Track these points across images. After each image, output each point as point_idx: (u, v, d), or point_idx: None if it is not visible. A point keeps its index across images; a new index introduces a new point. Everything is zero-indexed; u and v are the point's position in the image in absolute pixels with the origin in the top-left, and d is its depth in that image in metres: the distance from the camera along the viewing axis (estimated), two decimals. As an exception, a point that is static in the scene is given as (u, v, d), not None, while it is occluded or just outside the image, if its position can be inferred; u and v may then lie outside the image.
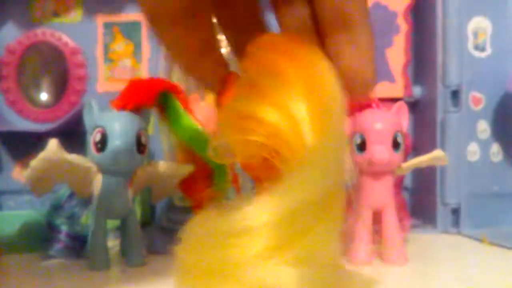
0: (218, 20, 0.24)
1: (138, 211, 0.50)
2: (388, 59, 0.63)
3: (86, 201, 0.44)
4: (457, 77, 0.57)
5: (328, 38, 0.21)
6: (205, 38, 0.22)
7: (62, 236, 0.44)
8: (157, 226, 0.53)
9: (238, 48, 0.23)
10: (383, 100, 0.48)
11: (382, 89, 0.62)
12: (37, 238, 0.46)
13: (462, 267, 0.42)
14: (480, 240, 0.51)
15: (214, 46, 0.23)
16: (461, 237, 0.55)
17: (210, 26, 0.22)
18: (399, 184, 0.54)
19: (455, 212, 0.57)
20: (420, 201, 0.64)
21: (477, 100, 0.58)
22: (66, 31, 0.63)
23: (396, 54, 0.63)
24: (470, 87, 0.58)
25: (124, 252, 0.43)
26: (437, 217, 0.58)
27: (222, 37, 0.24)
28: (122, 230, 0.43)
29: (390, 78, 0.63)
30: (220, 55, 0.24)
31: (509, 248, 0.47)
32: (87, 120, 0.40)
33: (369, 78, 0.22)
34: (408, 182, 0.65)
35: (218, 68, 0.24)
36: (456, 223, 0.57)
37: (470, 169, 0.57)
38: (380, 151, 0.39)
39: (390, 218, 0.42)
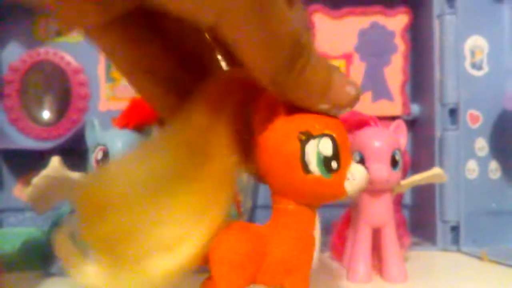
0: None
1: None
2: (386, 78, 0.64)
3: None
4: (455, 95, 0.58)
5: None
6: (139, 55, 0.23)
7: (63, 254, 0.44)
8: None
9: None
10: (382, 118, 0.48)
11: (381, 107, 0.63)
12: (39, 256, 0.46)
13: (462, 284, 0.42)
14: (480, 258, 0.51)
15: (153, 66, 0.23)
16: (460, 255, 0.55)
17: (142, 45, 0.23)
18: (398, 202, 0.55)
19: (455, 229, 0.57)
20: (420, 219, 0.64)
21: (475, 118, 0.59)
22: (69, 50, 0.64)
23: (394, 73, 0.64)
24: (468, 105, 0.58)
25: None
26: (436, 234, 0.58)
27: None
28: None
29: (388, 96, 0.63)
30: (165, 77, 0.24)
31: (509, 266, 0.47)
32: (89, 138, 0.41)
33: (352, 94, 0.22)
34: (407, 199, 0.66)
35: (156, 89, 0.24)
36: (455, 240, 0.57)
37: (469, 187, 0.58)
38: (379, 169, 0.40)
39: (390, 236, 0.42)
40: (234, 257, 0.22)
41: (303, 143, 0.21)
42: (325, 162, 0.21)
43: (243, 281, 0.22)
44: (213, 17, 0.17)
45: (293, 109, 0.22)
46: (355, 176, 0.22)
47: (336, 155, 0.22)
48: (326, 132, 0.22)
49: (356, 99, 0.22)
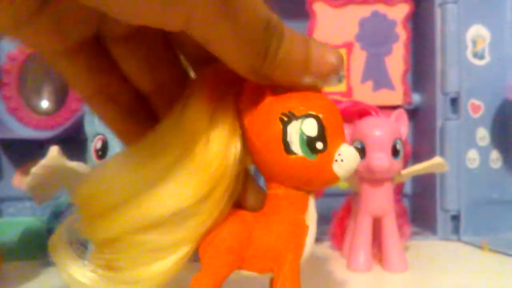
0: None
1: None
2: (387, 67, 0.63)
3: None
4: (456, 85, 0.58)
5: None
6: (101, 84, 0.23)
7: (63, 243, 0.44)
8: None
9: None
10: (383, 107, 0.48)
11: (382, 97, 0.63)
12: (38, 245, 0.46)
13: (462, 273, 0.42)
14: (480, 247, 0.51)
15: (114, 94, 0.23)
16: (461, 244, 0.55)
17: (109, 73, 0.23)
18: (399, 191, 0.55)
19: (455, 218, 0.57)
20: (420, 208, 0.64)
21: (476, 107, 0.59)
22: (68, 39, 0.64)
23: (396, 62, 0.63)
24: (469, 95, 0.58)
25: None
26: (437, 224, 0.58)
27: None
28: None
29: (389, 85, 0.63)
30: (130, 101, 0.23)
31: (509, 255, 0.47)
32: (88, 128, 0.41)
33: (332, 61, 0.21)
34: (408, 189, 0.66)
35: (117, 116, 0.24)
36: (456, 230, 0.57)
37: (470, 176, 0.57)
38: (380, 158, 0.40)
39: (390, 225, 0.42)
40: (220, 242, 0.22)
41: (285, 124, 0.21)
42: (309, 143, 0.21)
43: (229, 266, 0.22)
44: (182, 21, 0.17)
45: (280, 91, 0.22)
46: (343, 157, 0.21)
47: (321, 136, 0.21)
48: (311, 112, 0.21)
49: (338, 65, 0.21)
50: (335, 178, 0.21)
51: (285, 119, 0.21)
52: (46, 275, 0.41)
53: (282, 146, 0.21)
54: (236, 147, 0.22)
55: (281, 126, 0.21)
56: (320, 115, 0.21)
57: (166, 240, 0.21)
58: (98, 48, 0.22)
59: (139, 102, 0.23)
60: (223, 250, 0.22)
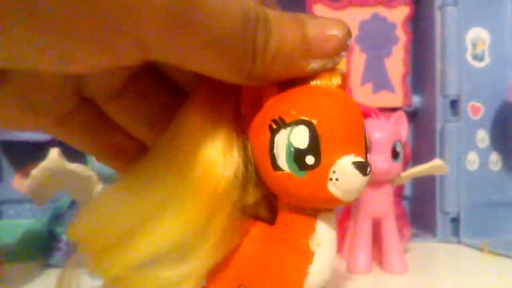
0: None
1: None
2: (387, 69, 0.63)
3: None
4: (456, 87, 0.58)
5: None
6: (101, 145, 0.22)
7: (63, 245, 0.44)
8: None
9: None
10: (383, 109, 0.48)
11: (382, 99, 0.63)
12: (38, 247, 0.46)
13: (462, 276, 0.42)
14: (480, 249, 0.51)
15: (116, 151, 0.23)
16: (460, 246, 0.55)
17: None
18: (398, 193, 0.55)
19: (455, 221, 0.57)
20: (420, 210, 0.64)
21: (476, 109, 0.59)
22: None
23: (395, 64, 0.63)
24: (469, 97, 0.58)
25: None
26: (436, 226, 0.58)
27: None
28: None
29: (389, 87, 0.63)
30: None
31: (509, 257, 0.47)
32: (89, 130, 0.41)
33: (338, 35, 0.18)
34: (407, 191, 0.66)
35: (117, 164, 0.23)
36: (455, 232, 0.57)
37: (469, 178, 0.57)
38: (379, 161, 0.40)
39: (390, 227, 0.42)
40: (231, 255, 0.20)
41: (273, 133, 0.17)
42: (297, 157, 0.17)
43: (235, 282, 0.20)
44: (138, 52, 0.15)
45: (282, 91, 0.18)
46: (338, 175, 0.17)
47: (313, 148, 0.17)
48: (303, 118, 0.17)
49: (344, 39, 0.17)
50: (334, 200, 0.17)
51: (274, 126, 0.17)
52: (46, 277, 0.41)
53: (269, 160, 0.18)
54: (233, 159, 0.19)
55: (269, 136, 0.18)
56: (315, 121, 0.17)
57: (171, 275, 0.19)
58: (92, 111, 0.21)
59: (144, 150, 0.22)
60: (228, 266, 0.20)
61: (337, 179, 0.17)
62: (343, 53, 0.18)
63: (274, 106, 0.18)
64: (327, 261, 0.18)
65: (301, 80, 0.18)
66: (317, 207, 0.18)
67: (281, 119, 0.17)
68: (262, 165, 0.18)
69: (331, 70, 0.18)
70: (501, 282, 0.40)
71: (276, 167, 0.17)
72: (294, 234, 0.18)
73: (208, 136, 0.18)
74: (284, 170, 0.17)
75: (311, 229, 0.18)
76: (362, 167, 0.17)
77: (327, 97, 0.18)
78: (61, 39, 0.14)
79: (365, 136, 0.18)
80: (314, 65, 0.17)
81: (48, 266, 0.43)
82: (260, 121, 0.18)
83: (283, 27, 0.17)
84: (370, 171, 0.17)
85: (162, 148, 0.20)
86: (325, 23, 0.18)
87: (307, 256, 0.18)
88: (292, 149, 0.17)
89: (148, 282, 0.19)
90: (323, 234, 0.18)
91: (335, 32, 0.17)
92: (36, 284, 0.39)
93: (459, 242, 0.56)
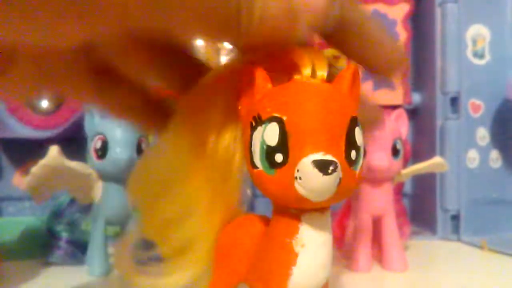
0: None
1: (138, 218, 0.50)
2: (387, 66, 0.63)
3: (86, 208, 0.44)
4: (456, 84, 0.58)
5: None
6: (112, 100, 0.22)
7: (62, 243, 0.44)
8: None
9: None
10: (383, 107, 0.48)
11: (382, 96, 0.63)
12: (38, 245, 0.46)
13: (462, 273, 0.42)
14: (480, 247, 0.51)
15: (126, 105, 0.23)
16: (460, 244, 0.55)
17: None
18: (398, 191, 0.55)
19: (455, 218, 0.57)
20: (420, 208, 0.64)
21: (476, 107, 0.59)
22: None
23: (395, 61, 0.63)
24: (469, 94, 0.58)
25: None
26: (437, 223, 0.58)
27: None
28: (123, 237, 0.43)
29: (389, 85, 0.63)
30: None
31: (509, 255, 0.47)
32: (88, 127, 0.41)
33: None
34: (407, 188, 0.65)
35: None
36: (455, 229, 0.57)
37: (470, 176, 0.57)
38: (380, 158, 0.40)
39: (390, 225, 0.42)
40: (232, 251, 0.20)
41: (252, 130, 0.17)
42: (268, 154, 0.17)
43: (236, 277, 0.20)
44: (124, 23, 0.15)
45: (276, 85, 0.18)
46: (301, 174, 0.16)
47: (282, 145, 0.16)
48: (276, 114, 0.17)
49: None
50: (303, 199, 0.16)
51: (253, 124, 0.17)
52: (45, 275, 0.41)
53: (249, 158, 0.18)
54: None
55: (249, 133, 0.18)
56: (284, 118, 0.16)
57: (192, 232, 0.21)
58: (101, 67, 0.21)
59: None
60: (234, 261, 0.20)
61: (300, 178, 0.16)
62: (332, 13, 0.17)
63: (258, 102, 0.18)
64: (313, 263, 0.18)
65: (289, 74, 0.18)
66: (294, 206, 0.17)
67: (259, 116, 0.17)
68: (246, 162, 0.18)
69: (316, 64, 0.18)
70: (501, 279, 0.40)
71: (253, 164, 0.17)
72: (279, 233, 0.18)
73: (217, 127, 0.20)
74: (258, 168, 0.17)
75: (294, 230, 0.18)
76: (323, 166, 0.16)
77: (301, 92, 0.17)
78: (39, 16, 0.14)
79: (349, 133, 0.17)
80: (305, 27, 0.17)
81: (47, 264, 0.43)
82: (247, 118, 0.18)
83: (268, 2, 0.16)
84: (334, 170, 0.15)
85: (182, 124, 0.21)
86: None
87: (290, 256, 0.17)
88: (264, 147, 0.17)
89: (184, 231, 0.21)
90: (308, 235, 0.18)
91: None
92: (36, 282, 0.39)
93: (459, 239, 0.56)
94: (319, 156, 0.16)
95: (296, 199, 0.16)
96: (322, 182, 0.16)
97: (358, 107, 0.18)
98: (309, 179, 0.16)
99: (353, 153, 0.17)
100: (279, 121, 0.16)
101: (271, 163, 0.17)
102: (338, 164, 0.16)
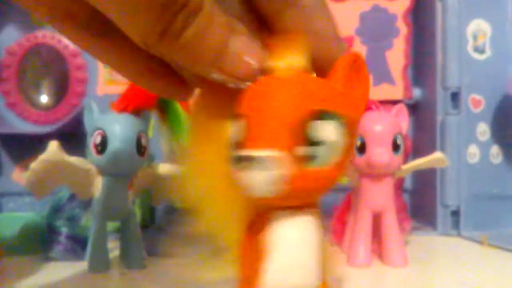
0: None
1: (138, 213, 0.50)
2: (388, 61, 0.63)
3: (86, 203, 0.44)
4: (457, 79, 0.58)
5: (283, 14, 0.19)
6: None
7: (62, 238, 0.44)
8: (158, 228, 0.53)
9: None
10: (383, 102, 0.48)
11: (382, 91, 0.62)
12: (38, 240, 0.46)
13: (462, 269, 0.42)
14: (480, 242, 0.51)
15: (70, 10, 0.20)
16: (461, 239, 0.55)
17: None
18: (399, 186, 0.54)
19: (455, 214, 0.57)
20: (420, 203, 0.64)
21: (477, 102, 0.59)
22: (67, 33, 0.63)
23: (396, 57, 0.63)
24: (470, 89, 0.58)
25: (124, 254, 0.43)
26: (437, 219, 0.58)
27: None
28: (123, 232, 0.43)
29: (390, 80, 0.63)
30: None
31: (509, 250, 0.47)
32: (87, 122, 0.41)
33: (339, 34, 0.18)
34: (408, 184, 0.65)
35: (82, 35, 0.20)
36: (456, 225, 0.57)
37: (470, 171, 0.57)
38: (380, 154, 0.39)
39: (390, 220, 0.42)
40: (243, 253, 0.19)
41: (231, 127, 0.18)
42: (232, 150, 0.17)
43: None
44: None
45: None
46: None
47: (238, 142, 0.17)
48: (239, 111, 0.17)
49: (255, 72, 0.17)
50: (248, 196, 0.16)
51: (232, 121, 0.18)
52: (45, 270, 0.41)
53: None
54: None
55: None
56: (243, 115, 0.17)
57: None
58: None
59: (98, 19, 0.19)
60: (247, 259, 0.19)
61: None
62: (248, 82, 0.17)
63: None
64: (286, 263, 0.17)
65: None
66: (258, 204, 0.17)
67: (236, 113, 0.17)
68: None
69: (291, 56, 0.18)
70: (501, 275, 0.40)
71: (229, 162, 0.17)
72: (255, 230, 0.18)
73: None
74: (230, 164, 0.17)
75: (262, 227, 0.17)
76: (237, 162, 0.16)
77: (260, 89, 0.17)
78: None
79: (302, 128, 0.16)
80: (215, 76, 0.17)
81: (47, 259, 0.43)
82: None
83: (210, 27, 0.16)
84: (250, 166, 0.15)
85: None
86: (250, 46, 0.17)
87: (262, 254, 0.17)
88: (231, 143, 0.17)
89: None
90: (278, 234, 0.17)
91: (253, 62, 0.17)
92: (36, 277, 0.39)
93: (459, 235, 0.56)
94: (250, 152, 0.16)
95: (245, 196, 0.16)
96: (242, 178, 0.16)
97: (353, 100, 0.18)
98: (235, 175, 0.16)
99: (308, 149, 0.16)
100: (238, 119, 0.17)
101: (233, 159, 0.16)
102: (263, 160, 0.15)
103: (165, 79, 0.20)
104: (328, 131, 0.16)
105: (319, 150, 0.16)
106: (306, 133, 0.16)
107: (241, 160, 0.16)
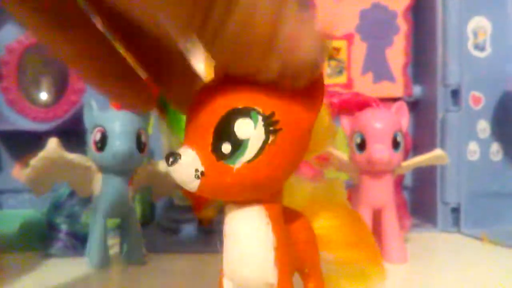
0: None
1: (138, 210, 0.50)
2: (388, 59, 0.63)
3: (86, 200, 0.44)
4: (457, 77, 0.58)
5: None
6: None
7: (62, 235, 0.44)
8: (158, 225, 0.53)
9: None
10: (383, 99, 0.48)
11: (382, 89, 0.62)
12: (38, 237, 0.46)
13: (462, 265, 0.42)
14: (480, 239, 0.51)
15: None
16: (461, 236, 0.55)
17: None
18: (399, 183, 0.54)
19: (455, 211, 0.57)
20: (420, 200, 0.64)
21: (477, 99, 0.58)
22: (66, 30, 0.63)
23: (396, 54, 0.63)
24: (470, 87, 0.58)
25: (124, 250, 0.43)
26: (437, 216, 0.58)
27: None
28: (123, 229, 0.43)
29: (390, 77, 0.63)
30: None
31: (509, 247, 0.47)
32: (87, 120, 0.40)
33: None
34: (408, 181, 0.65)
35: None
36: (456, 222, 0.57)
37: (470, 168, 0.57)
38: (380, 150, 0.39)
39: (390, 217, 0.42)
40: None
41: None
42: None
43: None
44: None
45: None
46: None
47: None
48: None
49: (318, 56, 0.15)
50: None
51: None
52: (45, 267, 0.41)
53: None
54: None
55: None
56: (187, 115, 0.18)
57: None
58: None
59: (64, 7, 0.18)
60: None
61: None
62: (307, 72, 0.16)
63: None
64: (236, 254, 0.18)
65: None
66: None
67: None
68: None
69: None
70: (501, 271, 0.40)
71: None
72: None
73: None
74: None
75: (223, 220, 0.18)
76: (166, 158, 0.17)
77: (198, 91, 0.18)
78: None
79: (219, 126, 0.16)
80: (265, 76, 0.15)
81: (47, 256, 0.43)
82: None
83: (254, 10, 0.14)
84: (174, 162, 0.16)
85: None
86: (304, 28, 0.14)
87: (223, 244, 0.18)
88: None
89: None
90: (228, 226, 0.18)
91: (311, 45, 0.15)
92: (36, 274, 0.39)
93: (459, 232, 0.56)
94: (178, 149, 0.17)
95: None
96: (171, 172, 0.17)
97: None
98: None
99: (225, 147, 0.16)
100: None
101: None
102: (179, 156, 0.16)
103: (124, 83, 0.19)
104: (244, 129, 0.16)
105: (237, 147, 0.16)
106: (228, 131, 0.16)
107: (168, 157, 0.17)
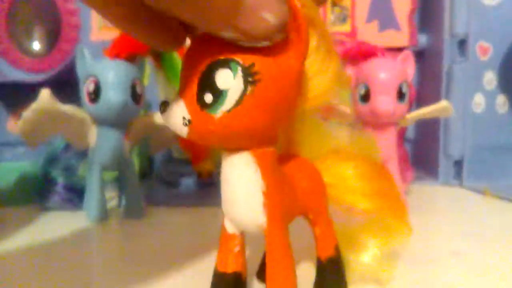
0: None
1: (136, 162, 0.49)
2: (393, 6, 0.60)
3: (83, 153, 0.43)
4: (465, 26, 0.55)
5: None
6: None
7: (59, 188, 0.43)
8: (156, 178, 0.53)
9: None
10: (388, 49, 0.46)
11: (387, 38, 0.60)
12: (34, 190, 0.45)
13: (463, 219, 0.42)
14: (482, 193, 0.50)
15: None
16: (463, 189, 0.55)
17: None
18: (401, 136, 0.53)
19: (457, 164, 0.57)
20: (422, 153, 0.63)
21: (485, 49, 0.57)
22: (57, -24, 0.60)
23: (402, 1, 0.60)
24: (478, 36, 0.56)
25: (123, 203, 0.43)
26: (439, 169, 0.57)
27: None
28: (120, 182, 0.43)
29: (395, 26, 0.60)
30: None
31: (510, 201, 0.47)
32: (80, 69, 0.39)
33: None
34: (410, 133, 0.64)
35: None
36: (458, 175, 0.57)
37: (475, 121, 0.56)
38: (385, 102, 0.38)
39: (392, 170, 0.41)
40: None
41: None
42: None
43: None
44: None
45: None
46: None
47: None
48: None
49: (275, 29, 0.16)
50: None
51: None
52: (43, 220, 0.41)
53: None
54: None
55: None
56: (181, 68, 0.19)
57: None
58: None
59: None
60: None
61: None
62: (266, 41, 0.16)
63: None
64: (226, 196, 0.20)
65: None
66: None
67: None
68: None
69: None
70: (502, 225, 0.40)
71: None
72: None
73: None
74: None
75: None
76: (159, 106, 0.18)
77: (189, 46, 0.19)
78: None
79: (203, 77, 0.17)
80: (228, 35, 0.16)
81: (44, 208, 0.43)
82: None
83: None
84: (163, 110, 0.18)
85: None
86: (266, 5, 0.15)
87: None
88: None
89: None
90: (222, 171, 0.20)
91: (271, 18, 0.16)
92: (33, 227, 0.39)
93: (461, 185, 0.56)
94: (171, 99, 0.18)
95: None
96: (163, 119, 0.18)
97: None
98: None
99: (207, 96, 0.17)
100: None
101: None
102: (168, 104, 0.18)
103: (152, 27, 0.19)
104: (224, 79, 0.17)
105: (217, 97, 0.17)
106: (210, 81, 0.17)
107: (160, 105, 0.18)
